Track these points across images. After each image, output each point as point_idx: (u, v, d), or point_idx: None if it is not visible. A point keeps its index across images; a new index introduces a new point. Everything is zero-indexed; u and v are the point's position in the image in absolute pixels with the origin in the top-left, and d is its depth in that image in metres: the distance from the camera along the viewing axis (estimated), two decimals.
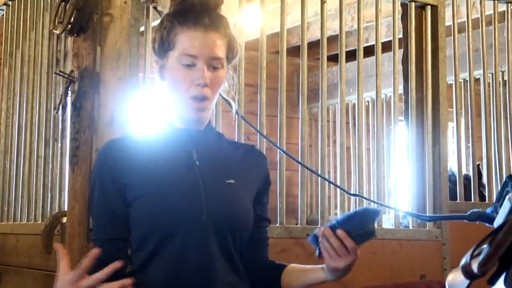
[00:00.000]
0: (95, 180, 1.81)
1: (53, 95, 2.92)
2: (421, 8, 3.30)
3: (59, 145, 2.83)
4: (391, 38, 3.26)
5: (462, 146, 4.02)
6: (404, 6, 3.28)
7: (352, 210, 1.69)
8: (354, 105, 4.79)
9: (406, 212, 2.71)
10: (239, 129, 2.75)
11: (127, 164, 1.76)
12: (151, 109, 2.57)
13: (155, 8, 2.54)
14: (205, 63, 1.74)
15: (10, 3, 3.52)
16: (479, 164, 3.68)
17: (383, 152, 5.06)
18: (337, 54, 3.10)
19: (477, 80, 3.86)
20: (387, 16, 3.48)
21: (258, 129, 2.79)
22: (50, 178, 2.86)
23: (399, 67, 3.27)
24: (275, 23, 3.12)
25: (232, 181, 1.80)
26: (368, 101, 5.59)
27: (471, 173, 3.52)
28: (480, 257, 0.99)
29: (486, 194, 3.53)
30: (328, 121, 4.79)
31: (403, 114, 3.30)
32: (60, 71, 2.56)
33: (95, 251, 1.59)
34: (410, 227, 3.17)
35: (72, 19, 2.34)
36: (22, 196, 3.14)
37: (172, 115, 1.84)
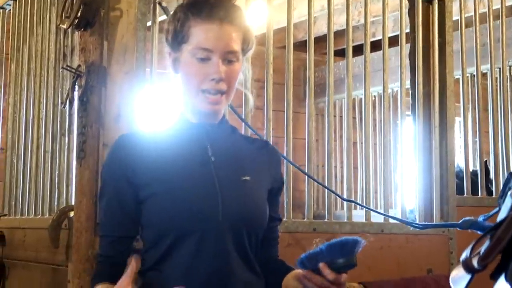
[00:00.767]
0: (106, 177, 1.78)
1: (60, 89, 2.93)
2: (428, 2, 3.29)
3: (66, 139, 2.83)
4: (398, 33, 3.25)
5: (469, 141, 4.01)
6: (411, 0, 3.28)
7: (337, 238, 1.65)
8: (361, 99, 4.78)
9: (400, 220, 2.71)
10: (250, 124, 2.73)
11: (139, 162, 1.71)
12: (158, 103, 2.57)
13: (159, 3, 2.54)
14: (220, 57, 1.69)
15: None
16: (486, 161, 3.67)
17: (390, 147, 5.05)
18: (344, 48, 3.10)
19: (484, 75, 3.85)
20: (394, 11, 3.48)
21: (264, 124, 2.80)
22: (57, 172, 2.87)
23: (406, 61, 3.27)
24: (281, 17, 3.13)
25: (248, 177, 1.75)
26: (375, 96, 5.59)
27: (478, 169, 3.52)
28: (481, 252, 0.99)
29: (493, 190, 3.53)
30: (334, 116, 4.81)
31: (410, 109, 3.29)
32: (67, 65, 2.57)
33: (136, 263, 1.60)
34: (417, 222, 3.17)
35: (79, 14, 2.34)
36: (29, 190, 3.15)
37: (184, 109, 1.79)
